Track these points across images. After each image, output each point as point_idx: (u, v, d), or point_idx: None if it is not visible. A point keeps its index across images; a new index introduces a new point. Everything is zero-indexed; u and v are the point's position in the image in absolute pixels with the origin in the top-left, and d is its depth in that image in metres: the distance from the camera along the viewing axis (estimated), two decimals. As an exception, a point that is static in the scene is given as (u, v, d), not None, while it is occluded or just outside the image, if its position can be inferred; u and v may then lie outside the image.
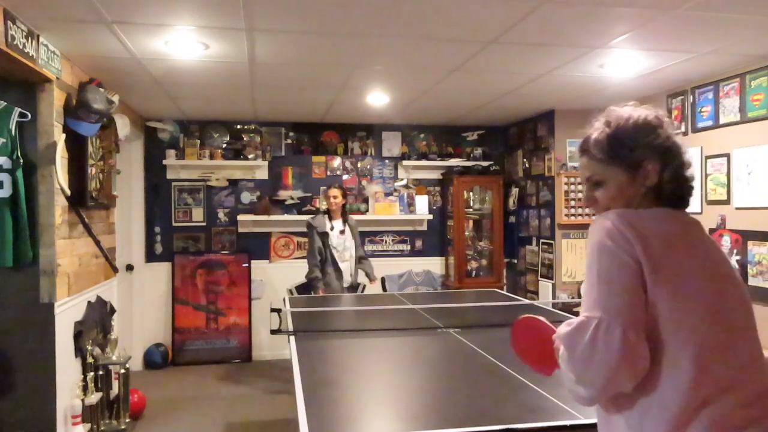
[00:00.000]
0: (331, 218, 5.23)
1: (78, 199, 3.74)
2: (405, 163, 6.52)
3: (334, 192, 5.22)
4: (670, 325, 1.22)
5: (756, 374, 1.25)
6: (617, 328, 1.19)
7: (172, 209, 6.16)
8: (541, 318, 1.58)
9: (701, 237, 1.35)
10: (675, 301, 1.23)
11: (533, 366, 1.62)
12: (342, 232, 5.21)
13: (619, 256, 1.24)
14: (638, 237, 1.24)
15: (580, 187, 5.63)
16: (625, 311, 1.21)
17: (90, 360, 3.88)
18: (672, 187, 1.36)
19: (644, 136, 1.35)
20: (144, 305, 6.05)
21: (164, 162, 6.03)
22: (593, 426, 1.78)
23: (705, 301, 1.25)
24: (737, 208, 4.01)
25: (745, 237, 3.93)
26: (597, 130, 1.41)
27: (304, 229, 6.36)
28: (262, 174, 6.31)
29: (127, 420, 4.20)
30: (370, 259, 5.51)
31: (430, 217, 6.54)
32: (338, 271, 5.14)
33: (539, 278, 5.95)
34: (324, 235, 5.14)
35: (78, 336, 3.74)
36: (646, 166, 1.34)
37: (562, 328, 1.30)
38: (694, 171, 1.42)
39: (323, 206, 6.25)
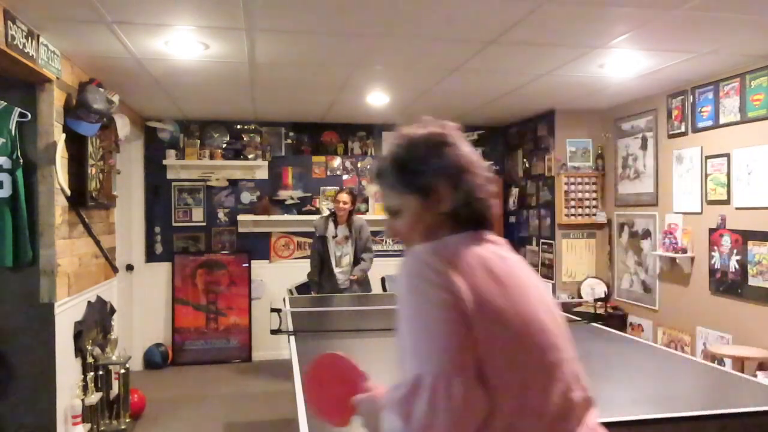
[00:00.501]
0: (336, 223, 5.12)
1: (78, 199, 3.74)
2: (405, 163, 6.50)
3: (344, 197, 5.04)
4: (496, 362, 1.07)
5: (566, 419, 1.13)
6: (456, 383, 1.01)
7: (172, 209, 6.15)
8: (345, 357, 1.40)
9: (513, 259, 1.21)
10: (499, 336, 1.08)
11: (329, 415, 1.39)
12: (347, 238, 5.09)
13: (437, 296, 1.06)
14: (453, 270, 1.08)
15: (580, 187, 5.63)
16: (458, 360, 1.03)
17: (90, 360, 3.88)
18: (468, 211, 1.20)
19: (430, 157, 1.21)
20: (144, 305, 6.05)
21: (164, 162, 6.03)
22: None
23: (527, 333, 1.11)
24: (737, 208, 4.00)
25: (745, 237, 3.93)
26: (385, 156, 1.27)
27: (304, 229, 6.40)
28: (262, 174, 6.31)
29: (127, 420, 4.19)
30: (373, 259, 5.27)
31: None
32: (332, 277, 5.08)
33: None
34: (322, 239, 5.09)
35: (78, 336, 3.74)
36: (437, 190, 1.19)
37: (390, 393, 1.09)
38: (493, 188, 1.26)
39: (324, 208, 6.25)
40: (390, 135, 6.57)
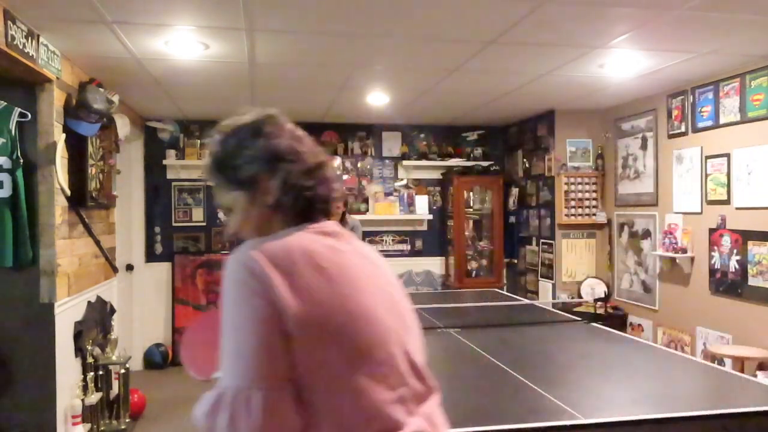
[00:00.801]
0: None
1: (78, 199, 3.74)
2: (405, 163, 6.52)
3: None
4: (316, 373, 1.02)
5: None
6: (257, 398, 0.97)
7: (172, 209, 6.15)
8: None
9: (349, 251, 1.14)
10: (320, 343, 1.02)
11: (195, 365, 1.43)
12: None
13: (251, 303, 1.01)
14: (275, 271, 1.02)
15: (580, 187, 5.63)
16: (264, 372, 0.99)
17: (90, 360, 3.88)
18: (290, 200, 1.14)
19: (243, 149, 1.15)
20: (144, 305, 6.05)
21: (164, 162, 6.03)
22: (594, 426, 1.78)
23: (354, 330, 1.05)
24: (737, 208, 4.00)
25: (745, 237, 3.93)
26: (208, 153, 1.22)
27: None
28: (262, 174, 6.30)
29: (127, 420, 4.19)
30: None
31: (430, 217, 6.54)
32: None
33: (539, 278, 5.95)
34: None
35: (78, 336, 3.74)
36: (258, 182, 1.14)
37: (197, 406, 1.05)
38: (327, 175, 1.19)
39: None
40: (390, 135, 6.58)
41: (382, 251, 6.41)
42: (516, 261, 6.47)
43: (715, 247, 4.19)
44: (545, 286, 5.85)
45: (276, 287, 1.00)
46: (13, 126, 3.21)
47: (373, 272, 1.16)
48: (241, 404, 0.98)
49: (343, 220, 5.15)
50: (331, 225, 1.17)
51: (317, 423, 1.01)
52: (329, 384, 1.02)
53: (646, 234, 5.05)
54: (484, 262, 6.52)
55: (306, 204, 1.15)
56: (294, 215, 1.15)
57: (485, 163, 6.55)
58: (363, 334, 1.06)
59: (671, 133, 4.69)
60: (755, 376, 3.48)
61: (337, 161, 6.48)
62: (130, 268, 5.88)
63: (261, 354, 0.99)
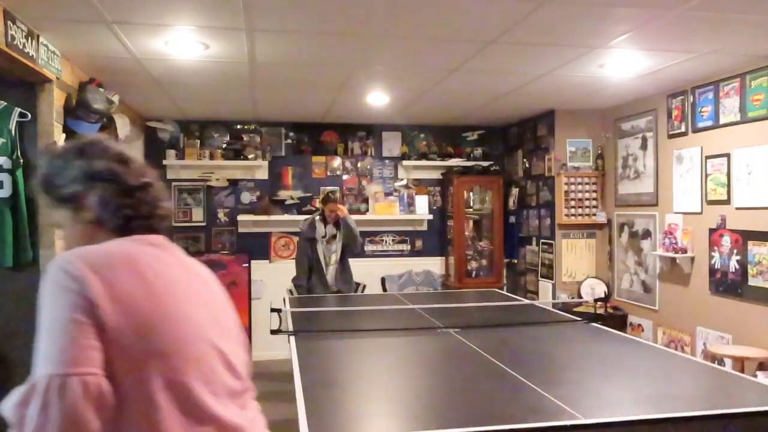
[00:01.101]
0: (325, 223, 5.06)
1: (78, 199, 3.73)
2: (405, 163, 6.52)
3: (335, 207, 5.01)
4: (131, 366, 1.07)
5: None
6: (72, 382, 1.01)
7: (172, 209, 6.15)
8: None
9: (172, 261, 1.25)
10: (132, 336, 1.07)
11: None
12: (334, 237, 5.04)
13: (66, 299, 1.06)
14: (91, 272, 1.08)
15: (580, 187, 5.63)
16: (78, 359, 1.03)
17: (90, 360, 3.87)
18: (109, 216, 1.25)
19: (67, 168, 1.27)
20: (144, 305, 6.04)
21: (164, 162, 6.03)
22: (594, 426, 1.78)
23: (167, 328, 1.12)
24: (737, 208, 4.00)
25: (745, 237, 3.93)
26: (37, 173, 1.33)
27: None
28: (262, 174, 6.32)
29: (127, 420, 4.19)
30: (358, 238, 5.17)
31: (430, 217, 6.54)
32: (323, 278, 5.03)
33: (539, 278, 5.95)
34: (311, 241, 5.01)
35: (78, 336, 3.73)
36: (80, 199, 1.25)
37: (6, 401, 1.09)
38: (151, 192, 1.29)
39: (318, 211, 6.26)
40: (390, 135, 6.58)
41: (382, 251, 6.42)
42: (516, 261, 6.47)
43: (715, 247, 4.19)
44: (545, 286, 5.85)
45: (91, 286, 1.06)
46: (13, 126, 3.21)
47: (193, 281, 1.29)
48: (55, 391, 1.01)
49: (337, 223, 5.13)
50: (157, 238, 1.28)
51: (129, 416, 1.05)
52: (141, 378, 1.07)
53: (646, 234, 5.05)
54: (484, 262, 6.52)
55: (125, 220, 1.26)
56: (115, 231, 1.25)
57: (485, 163, 6.55)
58: (175, 332, 1.14)
59: (671, 133, 4.69)
60: (755, 376, 3.48)
61: (337, 161, 6.48)
62: (130, 268, 5.88)
63: (77, 343, 1.03)
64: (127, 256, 1.17)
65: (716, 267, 4.20)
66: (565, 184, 5.60)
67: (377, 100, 5.11)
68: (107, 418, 1.03)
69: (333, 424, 1.92)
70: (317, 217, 5.10)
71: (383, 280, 6.25)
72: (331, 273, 5.08)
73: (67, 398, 1.00)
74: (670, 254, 4.57)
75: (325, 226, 5.07)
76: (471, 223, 6.55)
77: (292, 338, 3.05)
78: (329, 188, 6.27)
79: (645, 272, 5.08)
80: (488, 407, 2.04)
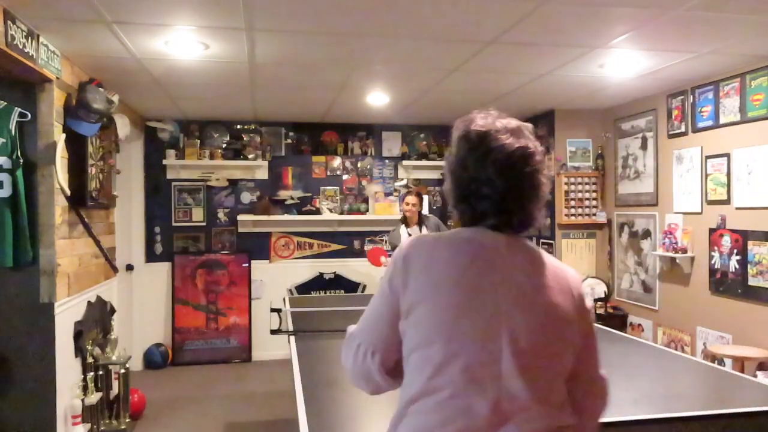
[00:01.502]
0: (407, 226, 5.05)
1: (78, 199, 3.74)
2: (405, 163, 6.52)
3: (412, 199, 5.04)
4: (410, 357, 1.24)
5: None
6: (361, 351, 1.32)
7: (172, 209, 6.15)
8: None
9: (506, 268, 1.24)
10: (416, 333, 1.23)
11: None
12: None
13: (384, 280, 1.30)
14: (404, 264, 1.26)
15: (580, 187, 5.63)
16: (369, 336, 1.31)
17: (90, 360, 3.88)
18: (461, 211, 1.31)
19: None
20: (144, 305, 6.05)
21: (164, 162, 6.03)
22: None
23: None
24: (737, 208, 4.00)
25: (745, 237, 3.93)
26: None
27: (304, 229, 6.40)
28: (262, 174, 6.31)
29: (127, 420, 4.19)
30: None
31: (430, 217, 6.52)
32: None
33: (539, 278, 5.95)
34: None
35: (78, 336, 3.74)
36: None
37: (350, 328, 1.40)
38: (496, 177, 1.24)
39: (324, 207, 6.26)
40: (390, 135, 6.57)
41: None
42: (516, 261, 6.46)
43: (715, 247, 4.19)
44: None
45: (399, 273, 1.29)
46: (13, 126, 3.21)
47: (529, 301, 1.25)
48: (354, 348, 1.34)
49: (420, 219, 5.10)
50: (503, 236, 1.30)
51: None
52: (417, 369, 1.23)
53: (646, 234, 5.05)
54: (484, 262, 6.51)
55: (476, 212, 1.32)
56: (467, 220, 1.36)
57: (485, 163, 6.53)
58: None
59: (671, 133, 4.68)
60: (755, 376, 3.48)
61: (337, 161, 6.48)
62: (130, 268, 5.88)
63: (374, 323, 1.32)
64: (457, 253, 1.29)
65: (716, 267, 4.20)
66: (565, 184, 5.60)
67: (377, 100, 5.10)
68: (373, 392, 1.44)
69: (333, 424, 1.92)
70: (401, 224, 5.10)
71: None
72: None
73: (358, 359, 1.37)
74: (670, 254, 4.56)
75: (408, 230, 5.03)
76: (471, 223, 6.54)
77: (292, 338, 3.05)
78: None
79: (645, 272, 5.08)
80: (488, 407, 2.04)
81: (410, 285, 1.24)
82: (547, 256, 1.30)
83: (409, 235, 4.98)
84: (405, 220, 5.11)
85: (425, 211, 6.46)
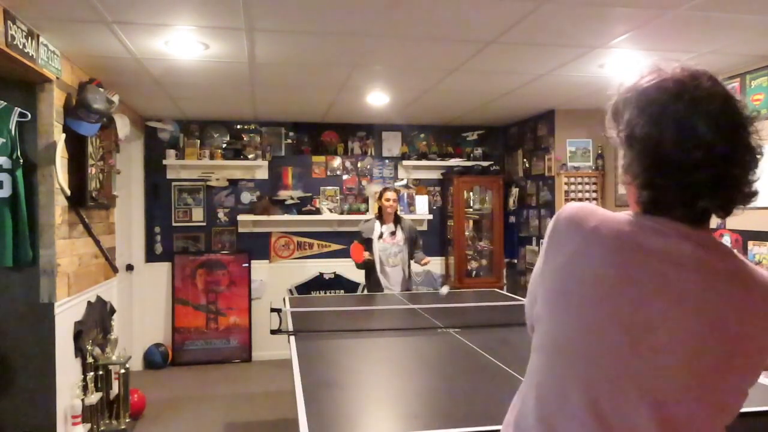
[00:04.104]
0: (382, 222, 5.02)
1: (78, 199, 3.74)
2: (405, 163, 6.52)
3: (393, 195, 5.02)
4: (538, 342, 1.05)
5: None
6: (528, 323, 1.13)
7: (172, 209, 6.15)
8: None
9: (681, 277, 0.92)
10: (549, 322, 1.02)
11: None
12: (393, 233, 4.99)
13: (545, 245, 1.06)
14: (558, 229, 1.03)
15: (580, 187, 5.63)
16: (527, 308, 1.13)
17: (90, 360, 3.88)
18: (653, 194, 0.98)
19: None
20: (144, 305, 6.05)
21: (164, 162, 6.03)
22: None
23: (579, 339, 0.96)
24: (737, 208, 4.00)
25: (745, 237, 3.93)
26: None
27: (304, 229, 6.40)
28: (262, 174, 6.31)
29: (127, 420, 4.19)
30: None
31: (430, 217, 6.54)
32: (385, 276, 4.97)
33: (539, 278, 5.94)
34: (368, 242, 4.94)
35: (78, 336, 3.74)
36: None
37: None
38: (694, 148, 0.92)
39: (324, 208, 6.26)
40: (390, 135, 6.57)
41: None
42: (516, 261, 6.47)
43: (715, 247, 4.19)
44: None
45: (555, 241, 1.07)
46: (13, 126, 3.21)
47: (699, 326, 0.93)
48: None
49: (397, 217, 5.05)
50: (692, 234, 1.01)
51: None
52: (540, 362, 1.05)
53: (646, 234, 5.05)
54: (484, 262, 6.52)
55: (653, 195, 1.02)
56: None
57: (485, 163, 6.54)
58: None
59: (671, 133, 4.68)
60: (755, 376, 3.48)
61: (337, 161, 6.48)
62: (130, 268, 5.88)
63: (531, 291, 1.12)
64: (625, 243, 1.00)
65: (716, 267, 4.20)
66: (565, 184, 5.60)
67: (377, 100, 5.10)
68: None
69: (333, 424, 1.92)
70: (375, 218, 5.07)
71: (383, 280, 6.25)
72: (396, 273, 5.02)
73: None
74: (670, 254, 4.56)
75: (381, 227, 5.00)
76: (471, 223, 6.55)
77: (292, 338, 3.05)
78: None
79: (645, 272, 5.07)
80: (488, 407, 2.04)
81: (554, 260, 1.00)
82: (756, 279, 0.94)
83: (382, 233, 4.97)
84: (380, 216, 5.04)
85: (425, 210, 6.48)
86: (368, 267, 4.97)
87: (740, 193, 0.94)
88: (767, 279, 0.95)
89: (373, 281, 4.99)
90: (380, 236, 4.98)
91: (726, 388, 0.92)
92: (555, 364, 0.98)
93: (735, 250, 0.99)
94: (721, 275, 0.92)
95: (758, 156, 0.93)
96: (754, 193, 0.94)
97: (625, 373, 0.91)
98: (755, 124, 0.94)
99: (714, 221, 3.62)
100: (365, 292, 5.08)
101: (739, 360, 0.91)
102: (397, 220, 5.07)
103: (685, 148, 0.90)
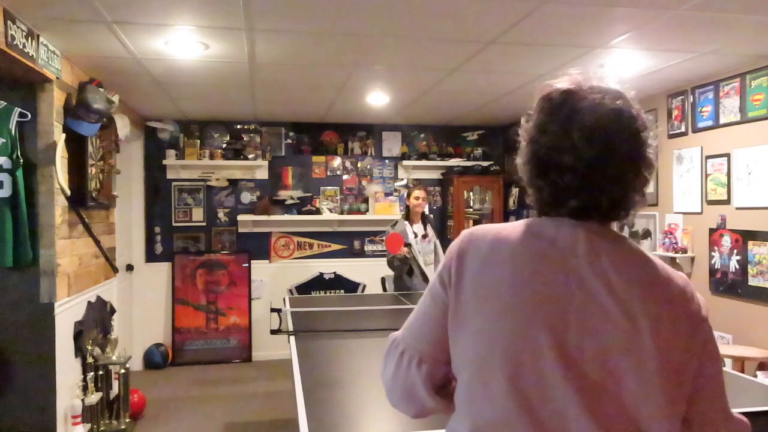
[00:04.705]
0: (411, 222, 4.91)
1: (78, 199, 3.74)
2: (405, 163, 6.52)
3: (422, 193, 4.91)
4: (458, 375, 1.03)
5: None
6: (405, 359, 1.11)
7: (172, 209, 6.15)
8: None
9: (584, 266, 0.97)
10: (463, 347, 1.02)
11: None
12: (425, 236, 4.92)
13: (435, 276, 1.10)
14: (459, 259, 1.06)
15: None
16: (415, 342, 1.11)
17: (90, 360, 3.88)
18: (537, 188, 1.07)
19: None
20: (144, 305, 6.05)
21: (164, 162, 6.03)
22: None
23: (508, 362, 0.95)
24: (737, 208, 4.00)
25: (745, 237, 3.93)
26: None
27: (304, 229, 6.39)
28: (262, 174, 6.31)
29: (127, 420, 4.19)
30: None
31: (431, 217, 6.53)
32: (424, 275, 4.86)
33: (539, 278, 5.94)
34: (407, 246, 4.79)
35: (78, 336, 3.74)
36: None
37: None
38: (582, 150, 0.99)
39: (324, 208, 6.26)
40: (390, 135, 6.57)
41: (382, 251, 6.41)
42: (516, 261, 6.46)
43: (715, 247, 4.19)
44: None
45: (451, 267, 1.11)
46: (13, 126, 3.21)
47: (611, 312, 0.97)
48: (398, 357, 1.13)
49: (424, 216, 5.01)
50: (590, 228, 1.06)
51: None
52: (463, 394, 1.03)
53: (646, 234, 5.05)
54: (484, 262, 6.51)
55: (551, 197, 1.09)
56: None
57: (485, 163, 6.54)
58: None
59: (671, 133, 4.68)
60: (755, 376, 3.48)
61: (337, 161, 6.48)
62: (130, 268, 5.88)
63: (422, 327, 1.12)
64: (522, 246, 1.06)
65: (716, 267, 4.20)
66: (565, 184, 5.59)
67: (377, 100, 5.10)
68: (416, 416, 1.18)
69: (333, 424, 1.92)
70: (404, 221, 4.96)
71: (383, 280, 6.24)
72: (432, 272, 4.91)
73: (400, 370, 1.16)
74: (670, 254, 4.56)
75: (412, 227, 4.91)
76: (471, 223, 6.54)
77: (292, 338, 3.05)
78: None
79: (645, 272, 5.07)
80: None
81: (464, 286, 1.02)
82: (651, 260, 1.04)
83: (415, 233, 4.93)
84: (408, 216, 4.97)
85: (425, 210, 6.47)
86: (399, 268, 4.82)
87: (604, 198, 0.99)
88: (662, 269, 1.05)
89: (402, 284, 4.87)
90: (415, 236, 4.89)
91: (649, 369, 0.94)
92: (479, 375, 0.99)
93: (635, 246, 1.06)
94: (609, 266, 0.97)
95: (639, 166, 1.00)
96: (624, 202, 1.01)
97: (549, 365, 0.94)
98: (644, 139, 1.01)
99: (715, 222, 3.62)
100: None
101: (641, 360, 0.94)
102: (425, 219, 5.03)
103: (559, 152, 1.00)
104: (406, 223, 4.92)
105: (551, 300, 0.96)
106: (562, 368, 0.93)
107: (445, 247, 5.83)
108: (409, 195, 5.00)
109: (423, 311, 1.11)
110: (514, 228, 1.05)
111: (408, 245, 4.75)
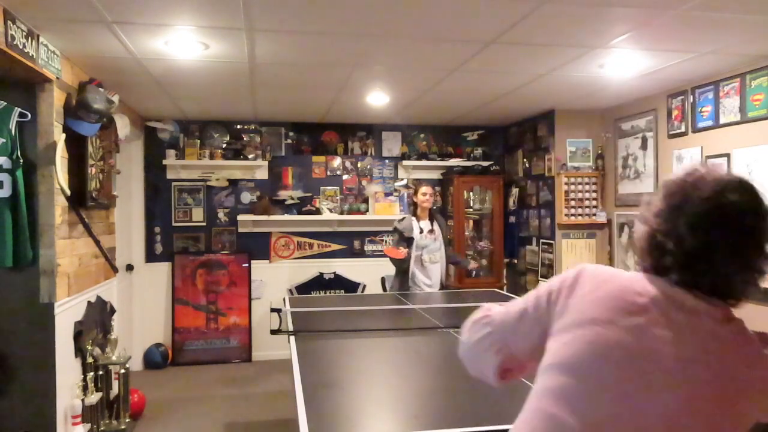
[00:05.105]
0: (418, 219, 5.03)
1: (78, 199, 3.74)
2: (405, 163, 6.52)
3: (430, 190, 5.03)
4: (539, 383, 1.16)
5: None
6: (488, 341, 1.26)
7: (172, 209, 6.15)
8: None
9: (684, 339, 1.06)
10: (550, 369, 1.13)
11: None
12: (431, 231, 5.02)
13: (545, 287, 1.22)
14: (573, 283, 1.19)
15: (580, 187, 5.63)
16: (504, 333, 1.24)
17: (90, 360, 3.88)
18: (643, 266, 1.21)
19: None
20: (144, 305, 6.05)
21: (164, 162, 6.03)
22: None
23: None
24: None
25: (745, 237, 3.92)
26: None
27: (304, 229, 6.39)
28: (262, 174, 6.31)
29: (127, 420, 4.19)
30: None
31: (439, 215, 6.53)
32: (426, 273, 4.98)
33: (539, 278, 5.95)
34: (410, 241, 4.93)
35: (78, 336, 3.74)
36: None
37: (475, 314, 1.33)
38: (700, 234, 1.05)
39: (324, 208, 6.26)
40: (390, 135, 6.57)
41: (382, 251, 6.41)
42: (516, 261, 6.47)
43: (715, 247, 4.19)
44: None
45: (564, 289, 1.24)
46: (13, 126, 3.21)
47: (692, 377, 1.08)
48: (482, 325, 1.28)
49: (431, 212, 5.08)
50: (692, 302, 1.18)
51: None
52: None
53: (646, 234, 5.05)
54: (484, 262, 6.52)
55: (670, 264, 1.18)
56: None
57: (485, 163, 6.54)
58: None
59: (671, 133, 4.68)
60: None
61: (337, 161, 6.48)
62: (130, 268, 5.88)
63: (518, 322, 1.23)
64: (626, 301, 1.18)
65: (716, 267, 4.20)
66: (565, 184, 5.60)
67: (377, 100, 5.10)
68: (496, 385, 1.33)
69: (333, 424, 1.92)
70: (411, 218, 5.07)
71: (383, 280, 6.24)
72: (437, 269, 5.06)
73: (478, 337, 1.33)
74: (670, 254, 4.56)
75: (418, 223, 5.02)
76: (471, 223, 6.55)
77: (292, 338, 3.05)
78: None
79: (645, 272, 5.07)
80: (488, 407, 2.04)
81: (570, 307, 1.13)
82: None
83: (421, 229, 4.99)
84: (415, 212, 5.07)
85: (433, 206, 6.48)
86: (403, 266, 4.95)
87: (703, 279, 1.08)
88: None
89: (404, 282, 4.96)
90: (420, 232, 4.99)
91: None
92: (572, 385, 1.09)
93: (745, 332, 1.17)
94: (696, 343, 1.09)
95: (747, 260, 1.08)
96: (725, 286, 1.12)
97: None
98: (757, 233, 1.06)
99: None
100: (392, 291, 5.08)
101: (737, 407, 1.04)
102: (432, 216, 5.09)
103: (664, 237, 1.08)
104: (413, 218, 5.02)
105: (640, 352, 1.04)
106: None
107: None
108: (416, 191, 5.11)
109: (522, 313, 1.21)
110: (627, 276, 1.17)
111: (410, 239, 4.88)
